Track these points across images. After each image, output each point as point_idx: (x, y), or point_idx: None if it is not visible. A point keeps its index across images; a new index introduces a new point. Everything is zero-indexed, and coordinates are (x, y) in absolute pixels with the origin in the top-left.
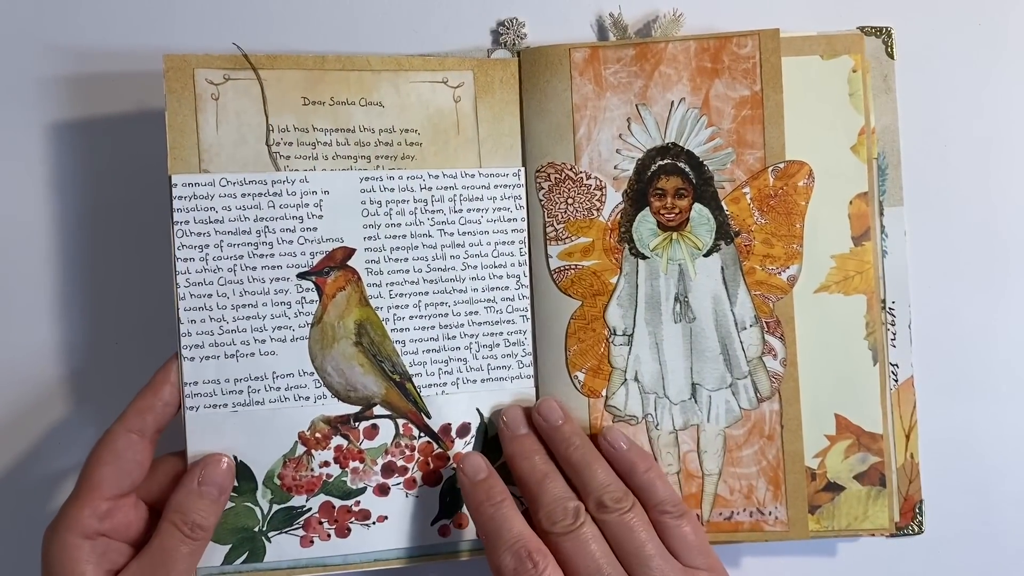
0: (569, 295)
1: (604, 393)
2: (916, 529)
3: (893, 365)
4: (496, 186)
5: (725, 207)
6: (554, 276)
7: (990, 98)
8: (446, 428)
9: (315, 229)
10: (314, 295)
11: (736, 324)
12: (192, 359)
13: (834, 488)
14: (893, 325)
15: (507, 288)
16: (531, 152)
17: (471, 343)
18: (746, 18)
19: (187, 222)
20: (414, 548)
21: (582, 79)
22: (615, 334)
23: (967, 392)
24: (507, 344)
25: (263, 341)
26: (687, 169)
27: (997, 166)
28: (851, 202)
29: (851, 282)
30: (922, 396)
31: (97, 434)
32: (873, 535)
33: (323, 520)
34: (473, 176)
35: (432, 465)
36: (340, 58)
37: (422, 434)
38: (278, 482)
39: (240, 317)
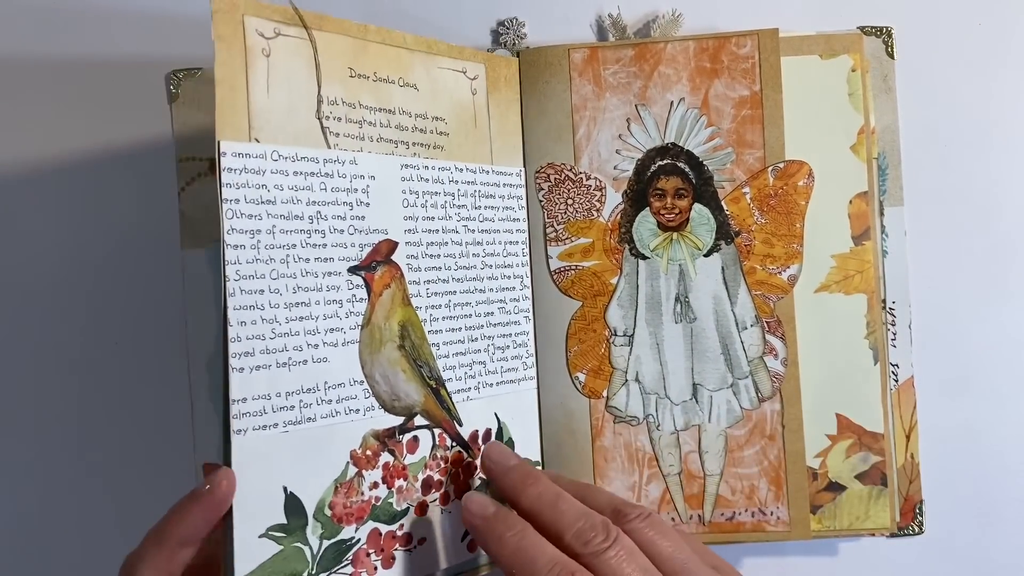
0: (569, 296)
1: (605, 394)
2: (916, 529)
3: (893, 365)
4: (504, 184)
5: (725, 207)
6: (554, 277)
7: (990, 98)
8: (474, 436)
9: (363, 218)
10: (363, 292)
11: (737, 324)
12: (241, 370)
13: (835, 488)
14: (893, 325)
15: (513, 288)
16: (531, 152)
17: (488, 345)
18: (745, 18)
19: (237, 200)
20: (448, 568)
21: (581, 79)
22: (616, 335)
23: (967, 392)
24: (515, 346)
25: (316, 346)
26: (687, 169)
27: (997, 166)
28: (851, 202)
29: (851, 282)
30: (922, 396)
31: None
32: (874, 535)
33: (370, 551)
34: (488, 172)
35: (462, 476)
36: (380, 30)
37: (454, 444)
38: (328, 513)
39: (293, 318)
